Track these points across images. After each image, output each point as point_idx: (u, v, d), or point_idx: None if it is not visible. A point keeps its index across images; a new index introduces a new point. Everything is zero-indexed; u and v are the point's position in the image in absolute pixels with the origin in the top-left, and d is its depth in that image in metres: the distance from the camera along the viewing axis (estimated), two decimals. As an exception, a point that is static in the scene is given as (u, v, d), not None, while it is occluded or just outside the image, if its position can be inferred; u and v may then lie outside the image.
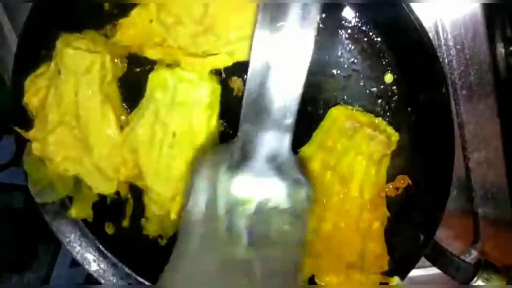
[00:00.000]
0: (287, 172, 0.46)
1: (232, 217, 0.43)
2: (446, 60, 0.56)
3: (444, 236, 0.63)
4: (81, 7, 0.60)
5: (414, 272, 0.60)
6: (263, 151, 0.46)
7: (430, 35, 0.55)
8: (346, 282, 0.58)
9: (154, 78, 0.56)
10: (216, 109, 0.58)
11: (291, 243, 0.44)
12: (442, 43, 0.55)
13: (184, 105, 0.57)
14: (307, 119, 0.57)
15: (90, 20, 0.61)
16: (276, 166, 0.46)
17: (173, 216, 0.66)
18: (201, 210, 0.43)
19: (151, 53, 0.57)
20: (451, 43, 0.55)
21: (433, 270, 0.63)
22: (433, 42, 0.55)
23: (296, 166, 0.47)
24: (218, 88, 0.57)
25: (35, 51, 0.63)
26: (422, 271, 0.70)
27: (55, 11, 0.61)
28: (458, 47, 0.55)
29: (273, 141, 0.46)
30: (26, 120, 0.67)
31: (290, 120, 0.46)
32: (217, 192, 0.44)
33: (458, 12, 0.55)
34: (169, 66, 0.56)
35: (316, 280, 0.59)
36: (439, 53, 0.55)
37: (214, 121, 0.59)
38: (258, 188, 0.44)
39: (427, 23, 0.55)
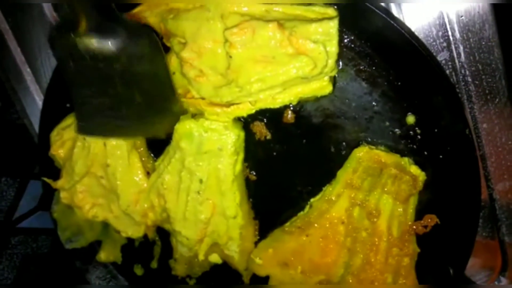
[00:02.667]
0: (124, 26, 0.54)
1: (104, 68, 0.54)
2: (466, 96, 0.56)
3: (471, 264, 0.63)
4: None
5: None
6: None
7: (448, 72, 0.57)
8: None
9: (180, 129, 0.57)
10: (241, 154, 0.60)
11: (156, 77, 0.57)
12: (460, 78, 0.56)
13: (210, 153, 0.58)
14: (330, 159, 0.58)
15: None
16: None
17: (201, 257, 0.67)
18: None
19: (175, 104, 0.59)
20: (469, 79, 0.56)
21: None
22: (451, 79, 0.56)
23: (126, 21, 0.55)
24: (242, 134, 0.58)
25: (60, 104, 0.65)
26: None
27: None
28: (477, 82, 0.56)
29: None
30: (53, 169, 0.69)
31: None
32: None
33: (475, 47, 0.55)
34: (193, 116, 0.58)
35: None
36: (458, 89, 0.56)
37: (239, 165, 0.60)
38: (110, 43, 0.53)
39: (444, 61, 0.56)
